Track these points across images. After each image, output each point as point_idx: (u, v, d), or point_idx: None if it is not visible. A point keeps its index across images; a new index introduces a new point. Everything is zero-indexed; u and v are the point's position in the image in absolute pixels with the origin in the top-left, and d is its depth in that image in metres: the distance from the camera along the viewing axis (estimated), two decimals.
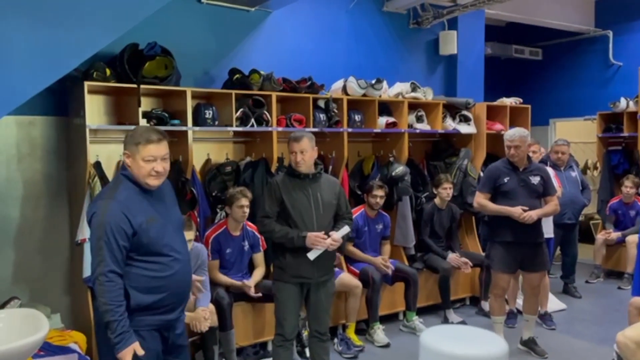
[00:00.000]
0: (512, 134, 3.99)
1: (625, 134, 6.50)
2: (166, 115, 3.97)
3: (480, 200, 4.07)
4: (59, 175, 4.05)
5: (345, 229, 3.33)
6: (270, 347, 3.63)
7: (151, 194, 2.44)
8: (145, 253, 2.34)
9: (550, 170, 4.96)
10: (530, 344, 4.20)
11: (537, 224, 3.97)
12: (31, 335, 2.39)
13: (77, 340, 3.30)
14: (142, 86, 3.78)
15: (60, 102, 3.99)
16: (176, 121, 4.00)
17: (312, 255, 3.20)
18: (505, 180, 3.96)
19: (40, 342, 2.45)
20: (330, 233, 3.26)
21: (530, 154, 4.19)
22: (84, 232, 3.61)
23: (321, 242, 3.20)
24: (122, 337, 2.23)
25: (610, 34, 7.24)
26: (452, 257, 4.97)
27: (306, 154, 3.27)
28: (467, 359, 2.65)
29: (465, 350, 2.68)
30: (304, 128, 4.49)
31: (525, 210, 3.83)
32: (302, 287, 3.33)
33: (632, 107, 6.32)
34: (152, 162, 2.36)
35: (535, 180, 3.97)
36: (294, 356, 3.90)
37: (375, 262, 4.60)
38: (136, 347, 2.27)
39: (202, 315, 3.47)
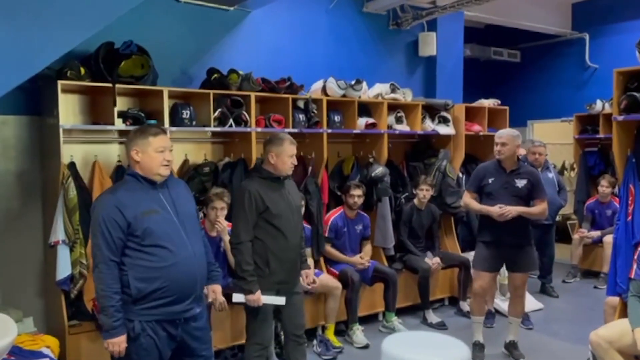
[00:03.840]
0: (501, 132, 4.06)
1: (601, 135, 6.57)
2: (142, 115, 3.90)
3: (466, 198, 4.15)
4: (32, 176, 3.96)
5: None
6: None
7: (157, 190, 2.59)
8: (141, 244, 2.48)
9: None
10: (510, 347, 4.18)
11: (524, 225, 3.95)
12: None
13: (49, 345, 3.22)
14: (117, 85, 3.71)
15: (32, 101, 3.90)
16: (153, 121, 3.93)
17: (234, 298, 3.16)
18: (490, 180, 3.98)
19: (7, 348, 2.39)
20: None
21: None
22: (57, 234, 3.54)
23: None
24: (117, 323, 2.39)
25: (587, 36, 7.35)
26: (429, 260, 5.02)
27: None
28: None
29: (428, 357, 2.67)
30: (283, 129, 4.46)
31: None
32: (278, 294, 3.22)
33: (607, 109, 6.39)
34: (163, 152, 2.56)
35: (521, 183, 3.93)
36: (273, 358, 3.87)
37: (354, 261, 4.61)
38: (123, 341, 2.42)
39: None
